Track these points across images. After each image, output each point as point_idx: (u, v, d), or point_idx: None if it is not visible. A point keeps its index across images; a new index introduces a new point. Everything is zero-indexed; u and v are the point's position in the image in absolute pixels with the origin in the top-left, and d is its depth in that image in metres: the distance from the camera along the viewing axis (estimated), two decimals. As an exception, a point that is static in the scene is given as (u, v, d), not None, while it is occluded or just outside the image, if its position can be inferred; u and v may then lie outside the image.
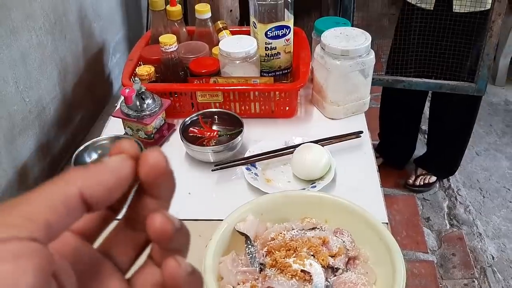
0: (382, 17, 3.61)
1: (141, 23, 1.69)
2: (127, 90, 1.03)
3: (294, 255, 0.78)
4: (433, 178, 2.23)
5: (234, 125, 1.12)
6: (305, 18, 1.64)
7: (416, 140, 2.30)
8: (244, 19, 1.66)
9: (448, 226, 2.09)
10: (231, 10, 1.60)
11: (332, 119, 1.22)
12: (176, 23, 1.29)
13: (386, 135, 2.27)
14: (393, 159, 2.30)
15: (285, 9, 1.16)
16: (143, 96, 1.09)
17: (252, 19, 1.19)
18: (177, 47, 1.17)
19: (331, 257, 0.78)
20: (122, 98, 1.09)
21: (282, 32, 1.17)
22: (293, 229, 0.84)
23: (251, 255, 0.81)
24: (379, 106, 2.23)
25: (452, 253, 1.97)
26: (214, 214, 0.89)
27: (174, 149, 1.15)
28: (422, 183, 2.22)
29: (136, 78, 1.09)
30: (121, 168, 0.26)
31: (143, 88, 1.09)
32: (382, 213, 0.96)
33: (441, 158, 2.20)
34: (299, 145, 1.06)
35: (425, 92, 2.07)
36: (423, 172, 2.23)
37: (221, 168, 1.06)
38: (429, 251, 1.97)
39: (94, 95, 1.39)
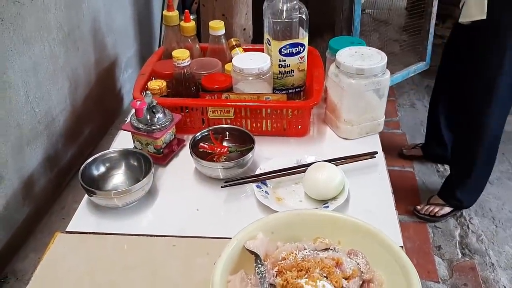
0: (394, 43, 3.63)
1: (154, 40, 1.69)
2: (138, 103, 1.01)
3: (306, 275, 0.74)
4: (446, 210, 2.17)
5: (245, 142, 1.10)
6: (318, 40, 1.64)
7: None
8: (257, 39, 1.65)
9: (460, 255, 2.03)
10: (244, 29, 1.60)
11: (346, 139, 1.19)
12: (189, 39, 1.28)
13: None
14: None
15: (300, 27, 1.15)
16: (154, 110, 1.07)
17: (266, 36, 1.18)
18: (189, 62, 1.16)
19: (345, 279, 0.75)
20: (133, 111, 1.08)
21: (296, 49, 1.16)
22: (305, 249, 0.81)
23: (260, 275, 0.77)
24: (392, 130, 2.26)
25: (464, 283, 1.91)
26: (222, 232, 0.86)
27: (184, 164, 1.12)
28: (432, 214, 2.14)
29: (147, 92, 1.07)
30: None
31: (154, 101, 1.07)
32: (397, 237, 0.93)
33: (464, 187, 2.11)
34: (312, 163, 1.03)
35: None
36: (437, 202, 2.17)
37: (231, 185, 1.03)
38: (440, 280, 1.91)
39: (104, 109, 1.38)
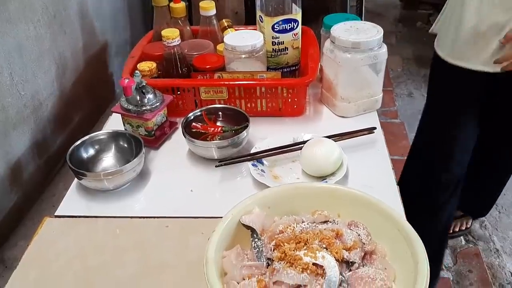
0: (390, 34, 3.60)
1: (145, 27, 1.66)
2: (126, 80, 0.98)
3: (305, 247, 0.70)
4: (470, 221, 2.01)
5: (239, 122, 1.06)
6: (313, 24, 1.60)
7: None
8: (249, 23, 1.62)
9: (463, 242, 2.00)
10: (236, 12, 1.56)
11: (343, 117, 1.16)
12: (179, 21, 1.25)
13: None
14: None
15: (293, 3, 1.12)
16: (143, 91, 1.04)
17: (259, 13, 1.14)
18: (179, 41, 1.12)
19: (346, 250, 0.71)
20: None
21: (289, 26, 1.13)
22: (303, 222, 0.77)
23: (257, 249, 0.73)
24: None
25: (468, 269, 1.87)
26: (217, 212, 0.82)
27: (176, 147, 1.09)
28: (463, 228, 1.98)
29: (136, 72, 1.03)
30: None
31: (143, 82, 1.04)
32: (399, 210, 0.89)
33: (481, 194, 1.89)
34: (309, 141, 0.99)
35: None
36: (459, 215, 1.98)
37: (225, 164, 0.99)
38: (444, 268, 1.88)
39: (95, 96, 1.34)
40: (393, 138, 2.52)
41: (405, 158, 2.22)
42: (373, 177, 0.97)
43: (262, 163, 1.01)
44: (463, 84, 1.31)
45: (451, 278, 1.83)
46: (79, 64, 1.25)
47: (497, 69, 1.18)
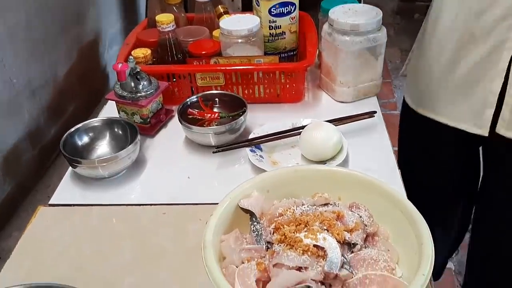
0: (388, 26, 3.58)
1: (140, 16, 1.63)
2: (120, 65, 0.96)
3: (305, 229, 0.68)
4: None
5: (236, 108, 1.04)
6: (311, 11, 1.57)
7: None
8: (245, 10, 1.59)
9: (467, 234, 1.98)
10: (232, 0, 1.54)
11: (342, 102, 1.14)
12: (174, 7, 1.22)
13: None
14: None
15: (290, -14, 1.10)
16: (138, 77, 1.01)
17: (255, -3, 1.12)
18: (174, 26, 1.10)
19: (347, 232, 0.69)
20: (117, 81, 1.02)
21: (287, 9, 1.10)
22: (303, 205, 0.75)
23: (256, 233, 0.71)
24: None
25: (470, 259, 1.85)
26: (215, 198, 0.79)
27: (173, 135, 1.07)
28: None
29: (130, 57, 1.01)
30: None
31: (138, 67, 1.01)
32: (401, 192, 0.87)
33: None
34: (308, 125, 0.97)
35: None
36: None
37: (223, 150, 0.97)
38: (446, 257, 1.86)
39: (89, 86, 1.32)
40: (392, 130, 2.49)
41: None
42: (374, 161, 0.95)
43: (261, 149, 0.98)
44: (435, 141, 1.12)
45: (453, 269, 1.82)
46: (72, 54, 1.22)
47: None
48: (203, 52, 1.11)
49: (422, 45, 1.06)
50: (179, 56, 1.12)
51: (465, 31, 0.92)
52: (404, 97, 1.18)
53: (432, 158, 1.17)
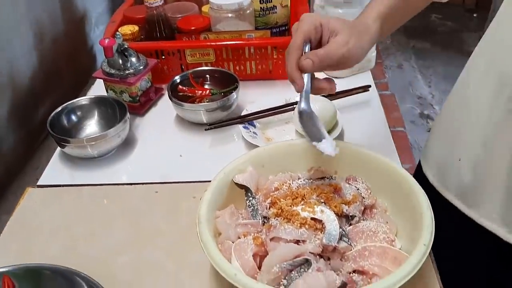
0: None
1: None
2: (106, 40, 0.92)
3: (302, 203, 0.67)
4: None
5: (228, 85, 1.01)
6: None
7: None
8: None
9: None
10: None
11: (336, 77, 1.11)
12: (162, -17, 1.18)
13: None
14: None
15: (280, -41, 1.07)
16: (126, 53, 0.98)
17: (245, -30, 1.09)
18: (162, 1, 1.06)
19: (345, 204, 0.67)
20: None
21: (277, -18, 1.08)
22: (299, 179, 0.74)
23: (252, 208, 0.70)
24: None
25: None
26: (208, 176, 0.77)
27: (163, 113, 1.04)
28: None
29: (117, 33, 0.98)
30: None
31: (125, 44, 0.98)
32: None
33: None
34: (301, 100, 0.95)
35: None
36: None
37: (215, 127, 0.95)
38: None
39: (76, 67, 1.28)
40: (385, 110, 2.50)
41: (398, 129, 2.17)
42: (369, 135, 0.94)
43: (254, 126, 0.96)
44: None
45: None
46: (58, 33, 1.19)
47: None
48: (193, 28, 1.08)
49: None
50: (167, 32, 1.09)
51: None
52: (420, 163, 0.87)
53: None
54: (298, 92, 0.69)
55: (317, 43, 0.68)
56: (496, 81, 0.66)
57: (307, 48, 0.67)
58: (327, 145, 0.67)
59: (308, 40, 0.67)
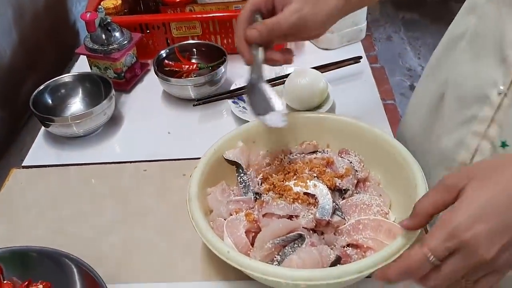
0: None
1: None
2: (88, 14, 0.89)
3: (294, 177, 0.65)
4: None
5: (215, 59, 0.99)
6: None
7: None
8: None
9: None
10: None
11: (326, 49, 1.10)
12: (145, -46, 1.14)
13: None
14: None
15: None
16: (109, 28, 0.95)
17: None
18: (146, -27, 1.03)
19: (338, 178, 0.66)
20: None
21: (264, -49, 1.04)
22: (291, 153, 0.72)
23: (244, 184, 0.68)
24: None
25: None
26: (198, 153, 0.76)
27: (149, 89, 1.01)
28: None
29: (100, 7, 0.94)
30: None
31: (108, 18, 0.95)
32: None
33: None
34: (292, 73, 0.93)
35: None
36: None
37: (204, 103, 0.93)
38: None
39: (58, 44, 1.24)
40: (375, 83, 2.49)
41: (388, 102, 2.13)
42: (362, 108, 0.92)
43: (244, 100, 0.94)
44: None
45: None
46: (39, 8, 1.14)
47: None
48: (177, 0, 1.05)
49: None
50: (152, 5, 1.06)
51: None
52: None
53: None
54: (247, 64, 0.67)
55: (271, 15, 0.65)
56: None
57: (259, 20, 0.65)
58: (271, 118, 0.65)
59: (257, 11, 0.65)
